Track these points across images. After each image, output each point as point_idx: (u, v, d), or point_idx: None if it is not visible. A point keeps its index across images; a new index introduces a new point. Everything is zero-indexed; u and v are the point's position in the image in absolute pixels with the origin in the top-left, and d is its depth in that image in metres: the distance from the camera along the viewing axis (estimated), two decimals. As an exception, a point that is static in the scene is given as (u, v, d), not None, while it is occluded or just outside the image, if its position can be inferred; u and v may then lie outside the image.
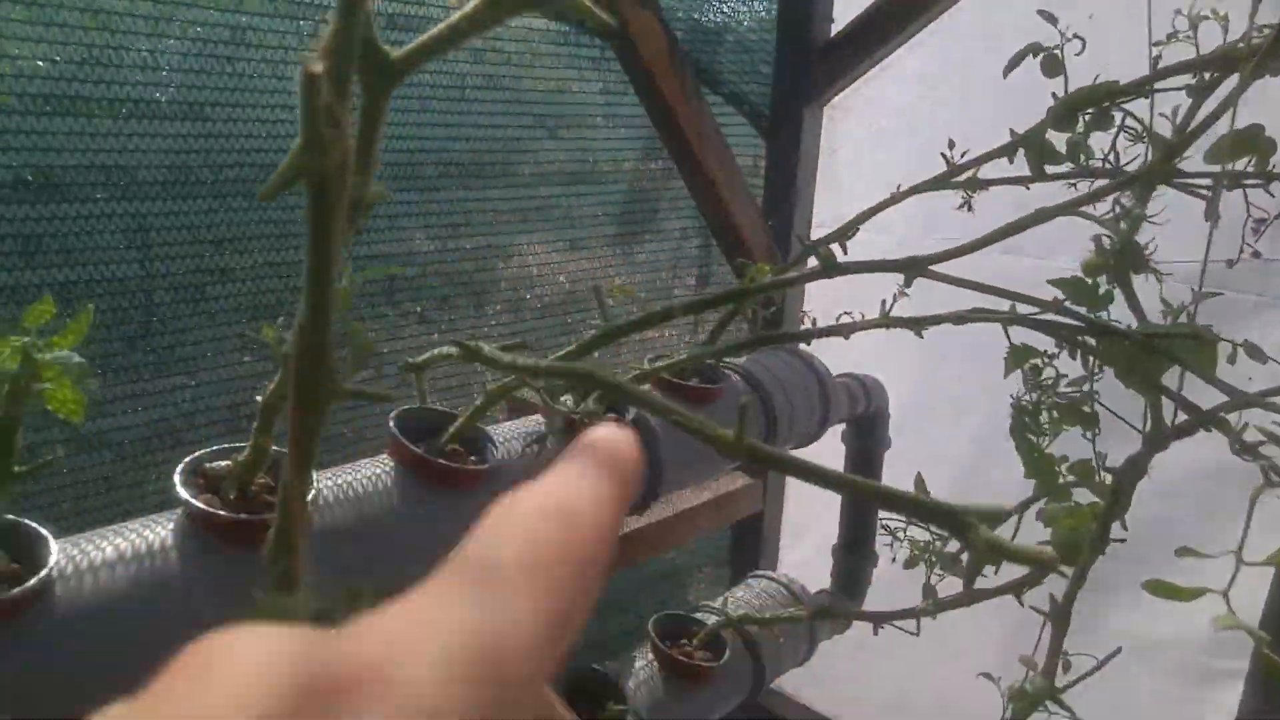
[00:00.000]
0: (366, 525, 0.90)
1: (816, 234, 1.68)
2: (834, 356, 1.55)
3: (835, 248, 1.14)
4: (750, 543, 1.99)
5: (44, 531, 0.74)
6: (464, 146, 1.35)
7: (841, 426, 1.68)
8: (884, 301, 0.99)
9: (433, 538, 0.96)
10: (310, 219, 0.34)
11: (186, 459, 0.86)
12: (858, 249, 1.16)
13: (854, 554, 1.75)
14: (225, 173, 1.10)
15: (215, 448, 0.86)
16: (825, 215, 1.80)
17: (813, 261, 1.04)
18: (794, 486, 2.07)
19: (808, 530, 2.02)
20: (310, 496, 0.84)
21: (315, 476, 0.88)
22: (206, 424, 1.15)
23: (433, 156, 1.31)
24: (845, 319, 0.99)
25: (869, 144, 1.75)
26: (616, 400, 1.12)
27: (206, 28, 1.04)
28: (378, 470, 0.96)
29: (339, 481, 0.93)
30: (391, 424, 1.00)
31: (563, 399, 1.23)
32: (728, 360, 1.42)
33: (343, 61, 0.34)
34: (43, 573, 0.69)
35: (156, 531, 0.80)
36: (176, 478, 0.82)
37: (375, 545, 0.90)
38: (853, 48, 1.65)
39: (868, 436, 1.67)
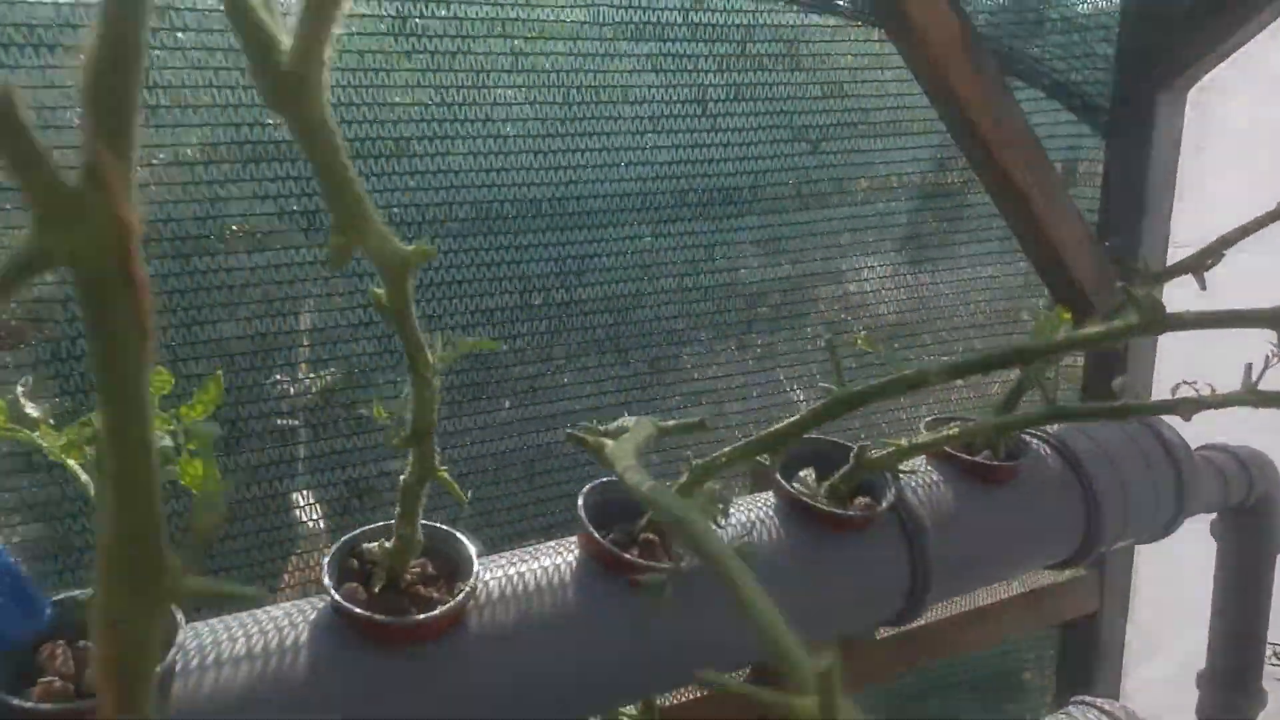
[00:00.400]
0: (531, 629, 0.82)
1: (1176, 258, 1.37)
2: (1198, 424, 1.25)
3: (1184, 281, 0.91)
4: (1081, 653, 1.69)
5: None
6: (707, 170, 1.24)
7: (1211, 516, 1.37)
8: (1248, 366, 0.74)
9: (612, 643, 0.86)
10: (89, 334, 0.24)
11: (342, 539, 0.83)
12: (1233, 278, 0.92)
13: (1230, 688, 1.44)
14: (472, 208, 1.10)
15: (370, 526, 0.83)
16: (1188, 234, 1.48)
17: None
18: (1147, 579, 1.73)
19: (1164, 641, 1.69)
20: (468, 587, 0.78)
21: (480, 567, 0.81)
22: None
23: (667, 185, 1.21)
24: (1185, 391, 0.75)
25: (1253, 135, 1.41)
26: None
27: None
28: (558, 560, 0.88)
29: (510, 572, 0.86)
30: (580, 503, 0.91)
31: (803, 472, 1.08)
32: (1036, 429, 1.19)
33: (115, 73, 0.23)
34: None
35: (295, 621, 0.77)
36: (325, 561, 0.80)
37: (539, 651, 0.82)
38: (1234, 4, 1.33)
39: (1251, 532, 1.39)
